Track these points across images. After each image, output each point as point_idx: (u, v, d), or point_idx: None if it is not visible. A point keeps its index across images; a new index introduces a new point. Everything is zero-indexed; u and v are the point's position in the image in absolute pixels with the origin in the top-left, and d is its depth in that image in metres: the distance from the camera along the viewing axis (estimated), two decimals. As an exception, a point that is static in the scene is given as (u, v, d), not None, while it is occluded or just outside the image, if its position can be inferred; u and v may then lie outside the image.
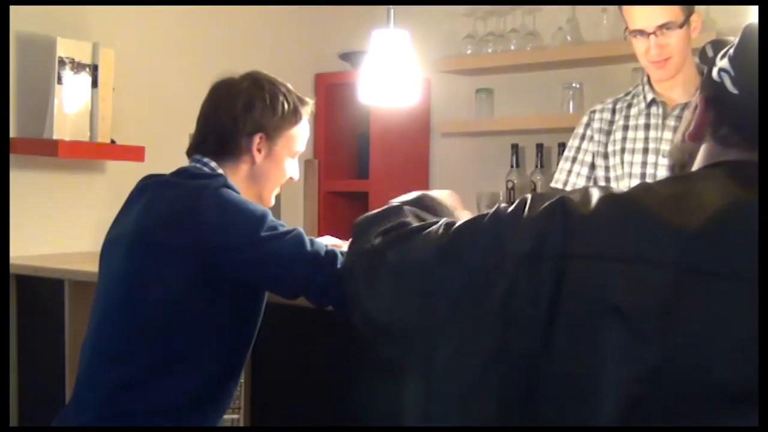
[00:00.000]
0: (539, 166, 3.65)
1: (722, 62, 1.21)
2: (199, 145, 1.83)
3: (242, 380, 2.15)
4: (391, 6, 2.24)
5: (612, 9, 3.42)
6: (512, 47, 3.69)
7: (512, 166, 3.72)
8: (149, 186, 1.79)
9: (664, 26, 2.23)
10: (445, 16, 3.96)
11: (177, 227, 1.66)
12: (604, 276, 1.09)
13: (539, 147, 3.67)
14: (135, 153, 3.03)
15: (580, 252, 1.12)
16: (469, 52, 3.81)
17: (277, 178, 1.88)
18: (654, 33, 2.25)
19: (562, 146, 3.58)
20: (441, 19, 3.97)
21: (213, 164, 1.80)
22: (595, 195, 1.16)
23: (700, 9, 2.22)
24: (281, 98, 1.83)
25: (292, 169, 1.91)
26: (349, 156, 4.15)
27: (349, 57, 3.97)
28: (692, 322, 1.04)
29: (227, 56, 3.55)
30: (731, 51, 1.20)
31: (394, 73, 2.19)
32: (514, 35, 3.70)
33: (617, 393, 1.06)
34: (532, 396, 1.12)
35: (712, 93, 1.21)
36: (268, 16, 3.81)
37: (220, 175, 1.76)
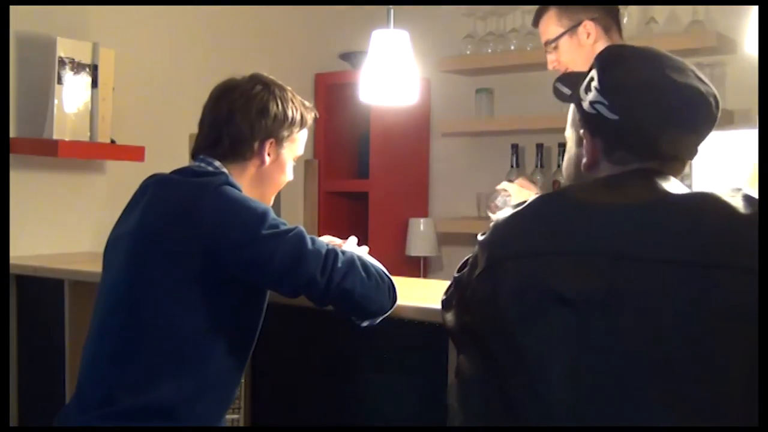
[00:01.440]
0: (539, 166, 3.65)
1: (591, 95, 1.34)
2: (209, 147, 1.82)
3: (242, 380, 2.15)
4: (391, 6, 2.24)
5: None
6: (512, 47, 3.69)
7: (512, 166, 3.72)
8: (151, 184, 1.79)
9: (547, 44, 2.31)
10: (445, 16, 3.96)
11: (178, 225, 1.66)
12: (551, 269, 1.22)
13: (539, 147, 3.67)
14: (135, 153, 3.03)
15: (524, 251, 1.26)
16: (469, 52, 3.81)
17: (280, 181, 1.90)
18: (547, 51, 2.34)
19: (562, 146, 3.58)
20: (441, 19, 3.97)
21: (217, 163, 1.80)
22: (533, 197, 1.33)
23: (595, 18, 2.23)
24: (290, 105, 1.86)
25: (291, 172, 1.93)
26: (349, 156, 4.15)
27: (349, 57, 3.97)
28: (629, 305, 1.16)
29: (227, 56, 3.55)
30: (595, 83, 1.33)
31: (394, 73, 2.19)
32: (514, 35, 3.70)
33: (566, 375, 1.17)
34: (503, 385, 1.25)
35: (592, 125, 1.35)
36: (268, 16, 3.81)
37: (222, 173, 1.77)
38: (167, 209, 1.70)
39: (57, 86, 2.81)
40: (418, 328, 1.87)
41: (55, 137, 2.80)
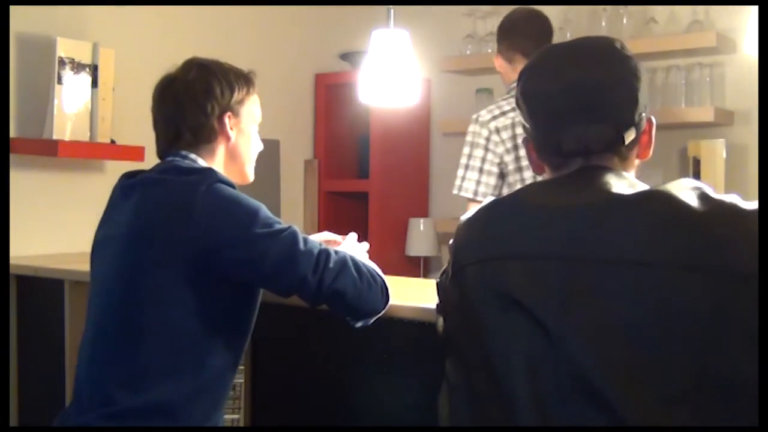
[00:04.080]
0: (539, 166, 3.65)
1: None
2: (172, 143, 1.82)
3: (242, 380, 2.16)
4: (391, 6, 2.24)
5: (611, 8, 3.43)
6: (512, 47, 3.68)
7: (512, 166, 3.71)
8: (137, 184, 1.77)
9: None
10: (445, 16, 3.96)
11: (171, 225, 1.66)
12: (505, 273, 1.22)
13: (539, 147, 3.66)
14: (135, 153, 3.03)
15: (480, 256, 1.27)
16: (469, 52, 3.81)
17: (250, 151, 1.90)
18: None
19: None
20: (441, 19, 3.97)
21: (193, 156, 1.80)
22: (487, 201, 1.34)
23: (500, 51, 2.66)
24: (231, 75, 1.86)
25: (259, 141, 1.93)
26: (349, 156, 4.15)
27: (349, 57, 3.97)
28: (581, 308, 1.16)
29: (227, 56, 3.51)
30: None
31: (394, 73, 2.19)
32: (514, 35, 3.70)
33: (526, 377, 1.17)
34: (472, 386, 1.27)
35: (525, 130, 1.39)
36: (268, 16, 3.81)
37: (211, 169, 1.75)
38: (159, 210, 1.69)
39: (57, 86, 2.81)
40: (418, 328, 1.87)
41: (55, 137, 2.80)
